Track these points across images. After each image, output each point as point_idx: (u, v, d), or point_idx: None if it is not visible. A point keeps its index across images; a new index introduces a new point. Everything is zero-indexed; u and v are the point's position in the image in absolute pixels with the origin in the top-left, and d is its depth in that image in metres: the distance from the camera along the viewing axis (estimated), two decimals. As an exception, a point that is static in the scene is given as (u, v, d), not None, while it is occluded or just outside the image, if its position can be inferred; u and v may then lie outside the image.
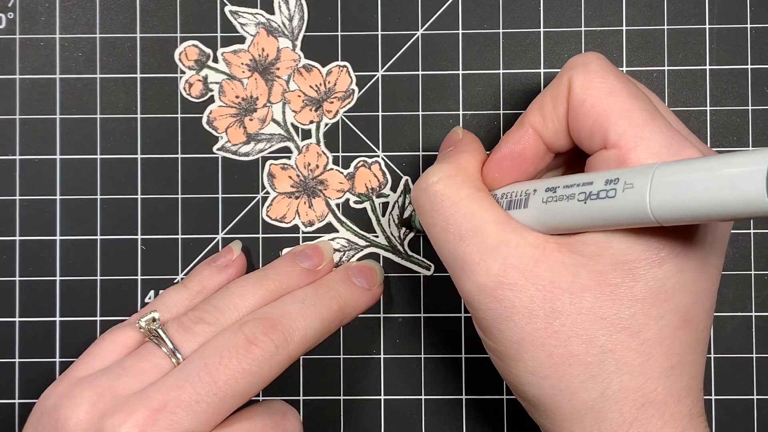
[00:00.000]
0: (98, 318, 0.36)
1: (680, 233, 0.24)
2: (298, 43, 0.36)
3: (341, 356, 0.36)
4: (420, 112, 0.36)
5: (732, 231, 0.34)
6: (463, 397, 0.35)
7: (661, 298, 0.24)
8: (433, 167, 0.28)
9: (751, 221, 0.35)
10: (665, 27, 0.35)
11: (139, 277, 0.36)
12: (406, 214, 0.36)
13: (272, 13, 0.36)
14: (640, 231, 0.24)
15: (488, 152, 0.29)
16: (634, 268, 0.24)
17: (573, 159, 0.30)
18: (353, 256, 0.36)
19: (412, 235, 0.36)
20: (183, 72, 0.36)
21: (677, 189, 0.21)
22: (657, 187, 0.22)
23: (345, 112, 0.36)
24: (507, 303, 0.25)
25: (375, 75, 0.36)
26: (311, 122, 0.36)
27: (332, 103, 0.36)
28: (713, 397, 0.35)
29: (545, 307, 0.25)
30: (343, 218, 0.36)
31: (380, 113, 0.36)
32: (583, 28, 0.35)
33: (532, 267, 0.25)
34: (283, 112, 0.36)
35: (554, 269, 0.25)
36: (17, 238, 0.36)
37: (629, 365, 0.25)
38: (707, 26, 0.35)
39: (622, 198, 0.23)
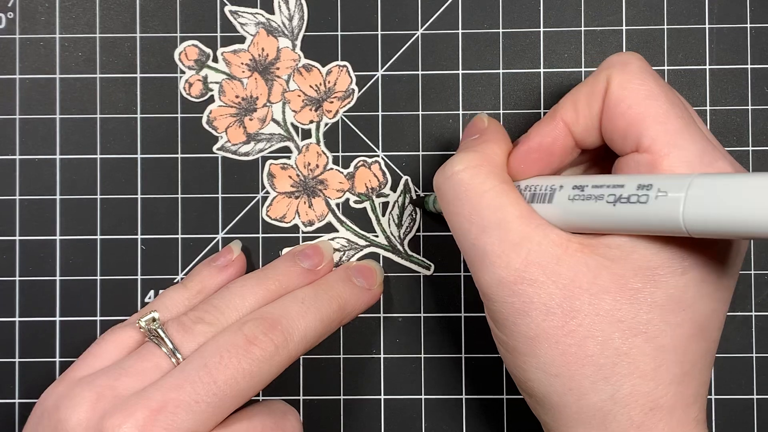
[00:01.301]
0: (98, 318, 0.36)
1: (705, 245, 0.24)
2: (298, 42, 0.36)
3: (341, 356, 0.36)
4: (420, 112, 0.36)
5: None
6: (463, 397, 0.35)
7: (680, 307, 0.24)
8: (459, 155, 0.28)
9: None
10: (665, 27, 0.35)
11: (139, 277, 0.36)
12: (407, 214, 0.36)
13: (272, 12, 0.36)
14: (665, 239, 0.24)
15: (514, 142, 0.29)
16: (657, 275, 0.24)
17: (598, 157, 0.29)
18: (353, 255, 0.36)
19: (412, 234, 0.36)
20: (183, 72, 0.36)
21: (713, 203, 0.21)
22: (692, 198, 0.22)
23: (345, 111, 0.36)
24: (525, 298, 0.25)
25: (375, 75, 0.36)
26: (311, 122, 0.36)
27: (332, 102, 0.36)
28: (713, 397, 0.35)
29: (564, 306, 0.25)
30: (343, 218, 0.36)
31: (380, 113, 0.36)
32: (583, 28, 0.35)
33: (553, 265, 0.25)
34: (283, 112, 0.36)
35: (576, 269, 0.25)
36: (17, 238, 0.36)
37: (642, 369, 0.25)
38: (707, 26, 0.35)
39: (655, 205, 0.23)
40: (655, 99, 0.25)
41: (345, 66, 0.36)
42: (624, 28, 0.35)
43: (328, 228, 0.36)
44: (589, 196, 0.25)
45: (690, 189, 0.22)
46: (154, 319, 0.30)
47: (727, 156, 0.26)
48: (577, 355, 0.25)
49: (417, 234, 0.36)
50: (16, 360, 0.36)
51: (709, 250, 0.24)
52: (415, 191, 0.36)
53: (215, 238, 0.36)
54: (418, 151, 0.36)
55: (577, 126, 0.27)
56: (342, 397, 0.36)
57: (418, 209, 0.36)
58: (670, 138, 0.24)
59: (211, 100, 0.36)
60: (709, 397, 0.35)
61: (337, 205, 0.36)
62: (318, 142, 0.36)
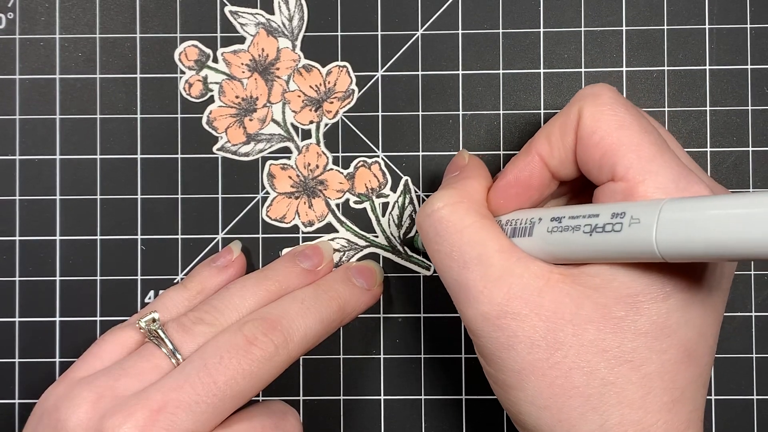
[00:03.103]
0: (98, 318, 0.36)
1: (686, 269, 0.24)
2: (298, 43, 0.36)
3: (341, 356, 0.36)
4: (420, 112, 0.36)
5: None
6: (463, 397, 0.35)
7: (665, 333, 0.24)
8: (439, 193, 0.28)
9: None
10: (665, 27, 0.35)
11: (139, 277, 0.36)
12: (407, 214, 0.36)
13: (272, 13, 0.36)
14: (644, 265, 0.24)
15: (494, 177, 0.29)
16: (638, 302, 0.24)
17: (579, 188, 0.30)
18: (353, 256, 0.36)
19: (412, 235, 0.36)
20: (183, 72, 0.36)
21: (684, 227, 0.21)
22: (664, 223, 0.22)
23: (345, 112, 0.36)
24: (509, 332, 0.25)
25: (375, 75, 0.36)
26: (311, 122, 0.36)
27: (332, 103, 0.36)
28: (713, 397, 0.35)
29: (548, 338, 0.25)
30: (343, 218, 0.36)
31: (380, 113, 0.36)
32: (583, 28, 0.35)
33: (535, 297, 0.25)
34: (283, 113, 0.36)
35: (558, 300, 0.25)
36: (17, 238, 0.36)
37: (630, 398, 0.24)
38: (707, 26, 0.35)
39: (628, 233, 0.23)
40: (627, 128, 0.25)
41: (345, 66, 0.36)
42: (624, 28, 0.35)
43: (328, 228, 0.36)
44: (566, 227, 0.25)
45: (661, 214, 0.22)
46: (154, 320, 0.30)
47: (705, 179, 0.26)
48: (564, 386, 0.25)
49: (420, 254, 0.36)
50: (16, 360, 0.36)
51: (690, 274, 0.24)
52: (415, 191, 0.36)
53: (215, 238, 0.36)
54: (418, 152, 0.36)
55: (552, 159, 0.27)
56: (342, 397, 0.36)
57: (417, 207, 0.36)
58: (644, 165, 0.24)
59: (211, 100, 0.36)
60: (709, 397, 0.35)
61: (337, 205, 0.36)
62: (318, 143, 0.36)
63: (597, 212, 0.24)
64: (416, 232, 0.35)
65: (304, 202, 0.36)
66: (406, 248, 0.36)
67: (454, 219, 0.27)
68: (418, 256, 0.36)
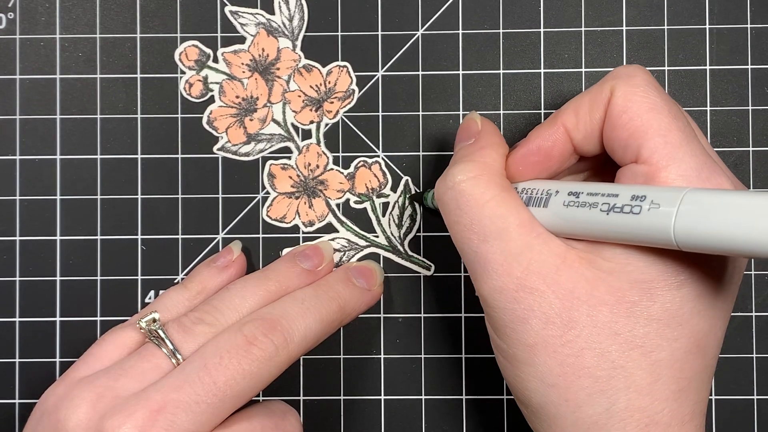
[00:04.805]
0: (98, 318, 0.36)
1: (701, 260, 0.24)
2: (298, 43, 0.36)
3: (341, 356, 0.36)
4: (420, 112, 0.36)
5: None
6: (463, 397, 0.35)
7: (677, 321, 0.25)
8: (458, 165, 0.28)
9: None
10: (665, 27, 0.35)
11: (139, 277, 0.36)
12: (407, 214, 0.36)
13: (272, 13, 0.36)
14: (660, 252, 0.24)
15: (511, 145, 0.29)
16: (652, 288, 0.24)
17: (598, 166, 0.30)
18: (353, 256, 0.36)
19: (412, 234, 0.36)
20: (183, 72, 0.36)
21: (703, 218, 0.21)
22: (683, 212, 0.22)
23: (345, 112, 0.36)
24: (525, 305, 0.25)
25: (375, 75, 0.36)
26: (311, 122, 0.36)
27: (332, 103, 0.36)
28: (713, 397, 0.35)
29: (562, 316, 0.25)
30: (343, 218, 0.36)
31: (380, 113, 0.36)
32: (583, 28, 0.35)
33: (553, 275, 0.25)
34: (284, 112, 0.36)
35: (574, 280, 0.25)
36: (17, 238, 0.36)
37: (638, 384, 0.25)
38: (707, 26, 0.35)
39: (646, 217, 0.23)
40: (657, 112, 0.25)
41: (345, 66, 0.36)
42: (624, 28, 0.35)
43: (329, 228, 0.36)
44: (583, 203, 0.25)
45: (682, 203, 0.22)
46: (154, 320, 0.30)
47: (726, 172, 0.26)
48: (575, 365, 0.25)
49: (417, 234, 0.36)
50: (16, 360, 0.36)
51: (705, 265, 0.25)
52: (416, 191, 0.36)
53: (215, 238, 0.36)
54: (419, 152, 0.36)
55: (577, 132, 0.27)
56: (342, 397, 0.36)
57: (417, 207, 0.36)
58: (669, 151, 0.25)
59: (212, 100, 0.36)
60: (709, 397, 0.35)
61: (338, 205, 0.36)
62: (318, 143, 0.36)
63: (617, 192, 0.24)
64: (428, 190, 0.35)
65: (305, 202, 0.36)
66: (406, 248, 0.36)
67: (475, 193, 0.27)
68: (418, 256, 0.36)
